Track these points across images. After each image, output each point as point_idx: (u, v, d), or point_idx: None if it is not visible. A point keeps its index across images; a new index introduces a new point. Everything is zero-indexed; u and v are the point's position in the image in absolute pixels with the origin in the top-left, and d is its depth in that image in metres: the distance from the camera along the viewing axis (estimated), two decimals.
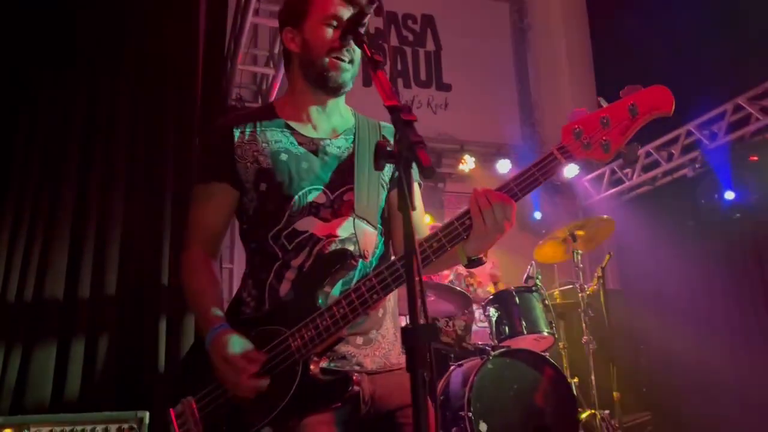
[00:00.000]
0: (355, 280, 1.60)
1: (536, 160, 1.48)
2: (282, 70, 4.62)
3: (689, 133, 6.07)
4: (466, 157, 6.85)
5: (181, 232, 4.18)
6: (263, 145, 1.70)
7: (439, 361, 3.97)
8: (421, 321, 1.07)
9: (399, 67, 7.62)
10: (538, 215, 7.01)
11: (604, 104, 1.47)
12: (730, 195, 5.47)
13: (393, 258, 1.58)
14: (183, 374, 1.73)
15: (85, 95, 4.23)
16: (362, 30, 1.61)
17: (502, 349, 3.74)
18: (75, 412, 3.17)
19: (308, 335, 1.51)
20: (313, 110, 1.77)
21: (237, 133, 1.73)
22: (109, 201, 4.20)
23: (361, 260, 1.61)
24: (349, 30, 1.63)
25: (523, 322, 3.94)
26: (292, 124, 1.75)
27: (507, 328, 3.95)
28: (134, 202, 4.26)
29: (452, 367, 3.93)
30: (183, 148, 4.45)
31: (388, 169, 1.77)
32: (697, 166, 5.93)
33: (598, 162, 1.48)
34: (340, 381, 1.53)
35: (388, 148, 1.18)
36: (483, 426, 3.49)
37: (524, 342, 3.98)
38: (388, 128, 1.83)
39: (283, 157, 1.69)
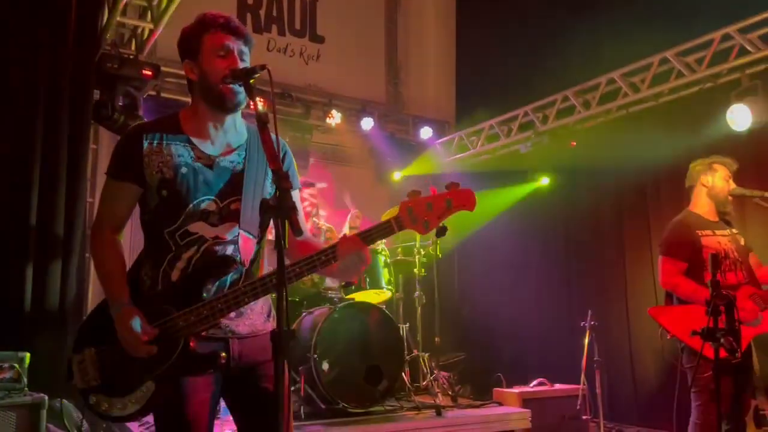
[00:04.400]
0: (230, 279, 2.05)
1: (379, 223, 1.98)
2: (161, 26, 4.77)
3: (526, 114, 6.96)
4: (334, 111, 7.28)
5: (54, 177, 4.31)
6: (167, 157, 2.05)
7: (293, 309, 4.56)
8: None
9: (274, 13, 7.77)
10: (397, 175, 7.75)
11: (437, 192, 1.99)
12: (544, 180, 6.43)
13: (265, 272, 2.05)
14: (87, 329, 2.13)
15: None
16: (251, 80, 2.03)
17: (348, 302, 4.40)
18: None
19: (192, 319, 1.97)
20: (212, 127, 2.12)
21: (146, 142, 2.07)
22: None
23: (239, 266, 2.08)
24: (241, 79, 2.04)
25: (367, 279, 4.62)
26: (194, 140, 2.10)
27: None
28: (2, 141, 4.28)
29: (303, 314, 4.55)
30: (54, 90, 4.48)
31: (271, 180, 2.17)
32: (529, 144, 6.85)
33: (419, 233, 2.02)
34: (210, 356, 2.01)
35: (271, 203, 1.68)
36: (325, 365, 4.16)
37: (367, 295, 4.68)
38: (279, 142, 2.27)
39: (183, 170, 2.05)
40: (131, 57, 4.99)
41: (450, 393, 4.89)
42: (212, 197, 2.07)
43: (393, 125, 8.04)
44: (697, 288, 3.63)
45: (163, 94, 6.42)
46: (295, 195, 2.26)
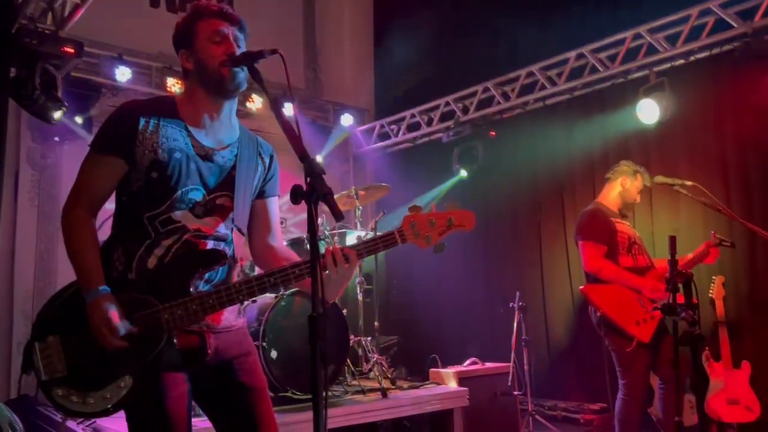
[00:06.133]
0: (219, 275, 2.02)
1: (382, 234, 2.00)
2: (89, 2, 4.47)
3: (447, 104, 7.16)
4: (255, 96, 7.11)
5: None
6: (163, 139, 1.98)
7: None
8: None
9: None
10: (319, 158, 7.71)
11: (437, 210, 2.05)
12: (463, 173, 6.68)
13: (261, 272, 1.99)
14: (51, 314, 1.97)
15: None
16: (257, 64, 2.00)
17: (293, 290, 4.37)
18: None
19: (179, 313, 1.89)
20: (208, 117, 2.07)
21: (142, 121, 1.98)
22: None
23: (231, 261, 2.05)
24: (245, 63, 2.00)
25: None
26: (191, 128, 2.04)
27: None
28: None
29: (247, 303, 4.47)
30: None
31: (258, 181, 2.18)
32: (450, 133, 7.05)
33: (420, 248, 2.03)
34: (196, 350, 1.96)
35: (304, 189, 1.67)
36: (274, 353, 4.13)
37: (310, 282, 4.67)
38: (265, 147, 2.24)
39: (177, 155, 1.98)
40: (49, 32, 4.63)
41: (388, 376, 4.99)
42: (201, 189, 2.04)
43: (313, 112, 7.99)
44: (620, 271, 3.98)
45: (73, 74, 6.00)
46: (274, 202, 2.28)
